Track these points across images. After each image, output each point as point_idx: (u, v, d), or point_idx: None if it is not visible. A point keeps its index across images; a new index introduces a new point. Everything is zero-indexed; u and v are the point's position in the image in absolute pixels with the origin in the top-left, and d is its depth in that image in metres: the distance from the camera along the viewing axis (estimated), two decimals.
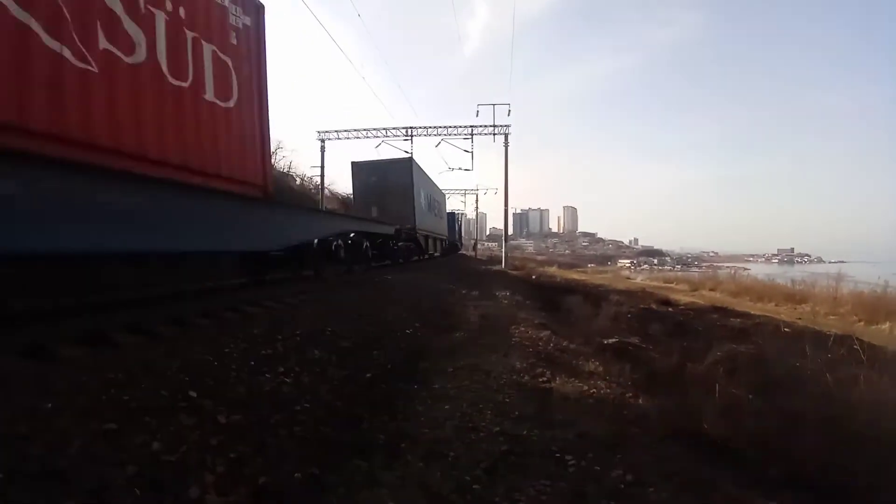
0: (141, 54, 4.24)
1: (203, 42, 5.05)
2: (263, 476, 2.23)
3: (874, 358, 5.97)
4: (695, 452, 3.13)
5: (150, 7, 4.34)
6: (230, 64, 5.49)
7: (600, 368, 5.08)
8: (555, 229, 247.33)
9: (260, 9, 6.17)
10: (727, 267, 41.64)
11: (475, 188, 47.12)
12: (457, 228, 37.58)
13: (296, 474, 2.34)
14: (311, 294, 6.40)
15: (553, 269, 30.33)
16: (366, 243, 10.49)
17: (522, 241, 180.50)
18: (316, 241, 7.79)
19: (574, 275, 28.70)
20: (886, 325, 10.50)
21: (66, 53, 3.54)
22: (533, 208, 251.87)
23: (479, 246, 57.50)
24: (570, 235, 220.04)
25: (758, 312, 12.43)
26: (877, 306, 11.96)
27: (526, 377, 4.24)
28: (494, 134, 26.37)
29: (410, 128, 26.74)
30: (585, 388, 4.20)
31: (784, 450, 3.17)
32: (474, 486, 2.41)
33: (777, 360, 6.01)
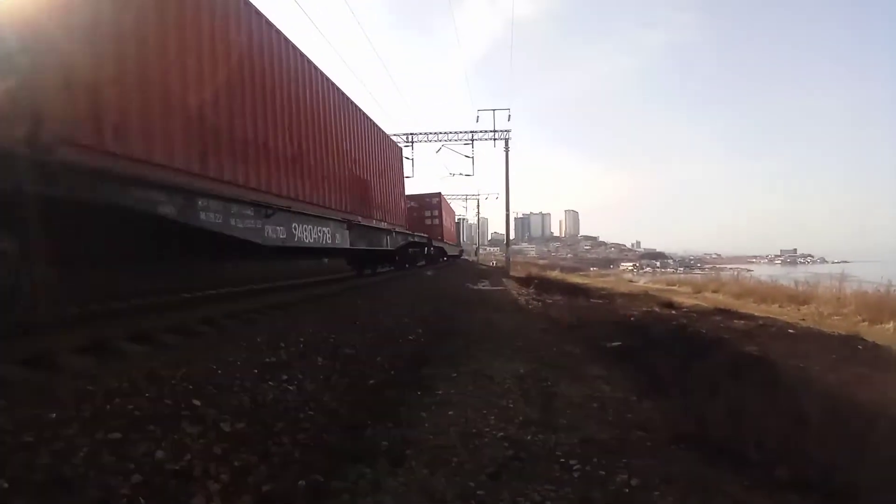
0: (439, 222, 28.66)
1: (449, 218, 33.57)
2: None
3: (879, 357, 5.94)
4: (700, 455, 3.11)
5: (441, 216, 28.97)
6: (450, 216, 34.69)
7: (604, 372, 5.08)
8: (557, 233, 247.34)
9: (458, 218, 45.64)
10: (730, 269, 41.54)
11: (476, 193, 47.37)
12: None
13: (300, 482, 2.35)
14: None
15: (555, 273, 30.31)
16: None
17: (524, 245, 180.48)
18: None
19: (576, 279, 28.64)
20: (891, 325, 10.42)
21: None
22: (535, 212, 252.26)
23: (480, 251, 57.40)
24: (572, 239, 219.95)
25: (761, 314, 12.34)
26: (881, 306, 11.86)
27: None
28: (495, 139, 26.48)
29: (411, 134, 26.91)
30: (589, 391, 4.19)
31: (790, 451, 3.14)
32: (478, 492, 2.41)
33: (781, 361, 5.97)
